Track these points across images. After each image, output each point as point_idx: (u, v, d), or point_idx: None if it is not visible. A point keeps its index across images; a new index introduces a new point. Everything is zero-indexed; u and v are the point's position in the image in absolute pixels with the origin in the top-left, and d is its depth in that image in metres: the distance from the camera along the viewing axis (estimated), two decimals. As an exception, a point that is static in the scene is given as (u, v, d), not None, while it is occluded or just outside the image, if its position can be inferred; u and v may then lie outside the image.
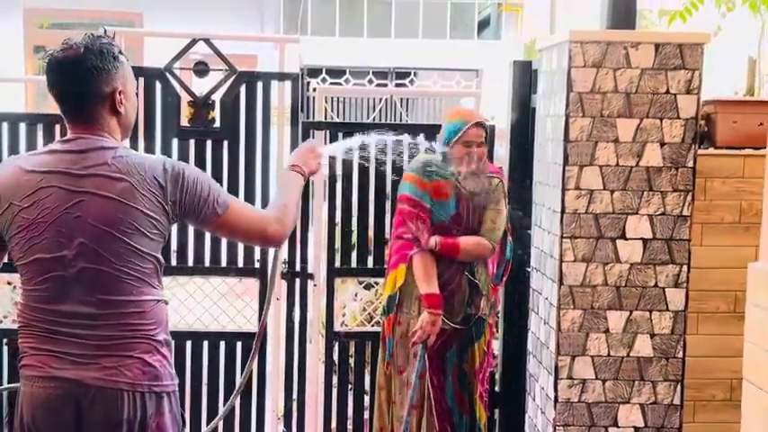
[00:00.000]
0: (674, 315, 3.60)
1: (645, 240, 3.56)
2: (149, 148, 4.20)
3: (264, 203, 4.30)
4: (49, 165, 2.27)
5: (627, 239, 3.55)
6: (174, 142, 4.27)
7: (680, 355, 3.61)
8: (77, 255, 2.24)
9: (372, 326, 4.57)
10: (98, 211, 2.24)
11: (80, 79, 2.28)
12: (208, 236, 4.29)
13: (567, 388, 3.59)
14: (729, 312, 3.79)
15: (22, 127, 4.24)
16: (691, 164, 3.53)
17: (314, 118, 4.65)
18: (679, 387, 3.62)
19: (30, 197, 2.25)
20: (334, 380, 4.46)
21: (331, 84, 10.88)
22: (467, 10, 12.86)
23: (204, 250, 4.32)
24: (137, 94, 2.47)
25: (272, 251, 4.27)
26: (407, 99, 11.67)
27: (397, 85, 11.63)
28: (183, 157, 4.21)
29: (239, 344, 4.33)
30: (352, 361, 4.50)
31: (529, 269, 4.08)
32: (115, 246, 2.26)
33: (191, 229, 4.26)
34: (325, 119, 4.80)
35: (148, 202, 2.28)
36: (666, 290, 3.58)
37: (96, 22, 10.42)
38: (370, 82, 11.55)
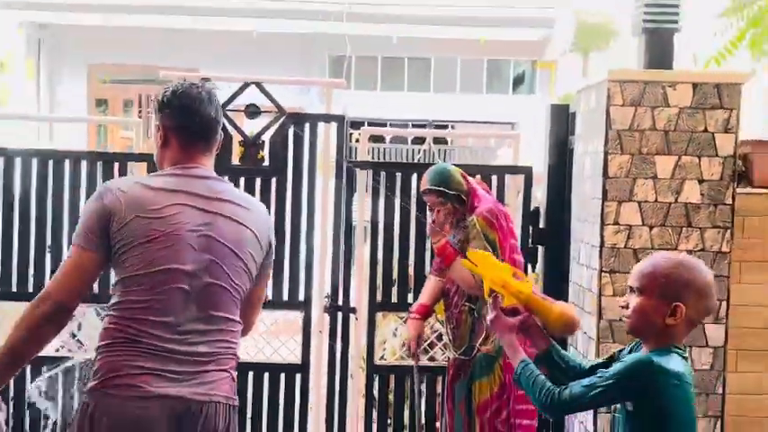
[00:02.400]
0: (714, 351, 3.45)
1: (684, 276, 3.44)
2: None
3: (309, 239, 4.26)
4: (175, 185, 2.27)
5: (666, 275, 3.43)
6: (226, 179, 4.21)
7: (720, 391, 3.46)
8: (204, 269, 2.23)
9: (411, 360, 4.43)
10: (226, 231, 2.27)
11: (217, 113, 2.37)
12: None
13: (608, 422, 3.44)
14: (769, 350, 3.63)
15: (84, 164, 4.25)
16: (729, 201, 3.43)
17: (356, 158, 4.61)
18: (719, 423, 3.45)
19: (158, 211, 2.22)
20: (374, 415, 4.34)
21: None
22: (502, 67, 12.92)
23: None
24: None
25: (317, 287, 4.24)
26: (445, 150, 11.65)
27: (434, 138, 11.62)
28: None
29: (282, 375, 4.25)
30: (391, 396, 4.37)
31: (567, 305, 3.96)
32: (236, 264, 2.28)
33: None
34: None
35: (258, 232, 2.35)
36: (706, 326, 3.44)
37: (154, 77, 10.58)
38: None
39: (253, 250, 2.32)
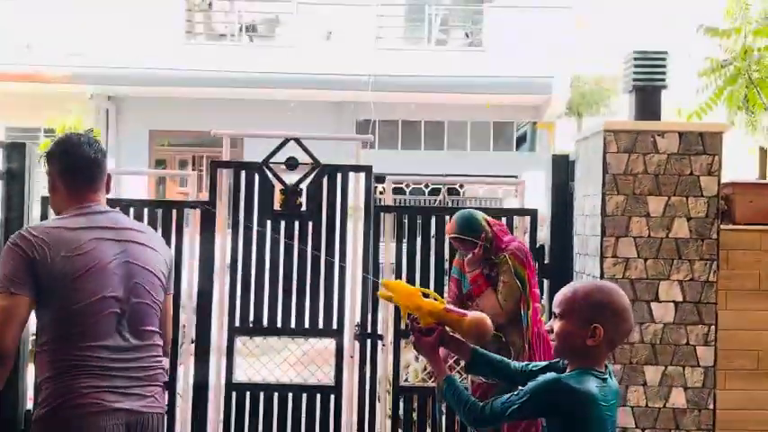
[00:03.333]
0: (705, 370, 3.37)
1: (676, 303, 3.39)
2: (248, 228, 4.19)
3: (341, 274, 4.23)
4: (86, 223, 2.24)
5: (660, 302, 3.39)
6: (269, 223, 4.25)
7: (711, 406, 3.37)
8: (130, 291, 2.23)
9: (433, 382, 4.37)
10: (138, 254, 2.27)
11: (102, 154, 2.33)
12: (294, 302, 4.21)
13: None
14: (754, 370, 3.53)
15: (146, 211, 4.28)
16: (714, 236, 3.38)
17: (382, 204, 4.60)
18: (712, 436, 3.36)
19: (80, 248, 2.17)
20: None
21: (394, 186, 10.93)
22: (507, 128, 12.97)
23: (290, 314, 4.23)
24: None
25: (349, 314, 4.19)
26: (458, 201, 11.67)
27: (448, 189, 11.64)
28: (277, 234, 4.19)
29: (318, 396, 4.18)
30: (415, 415, 4.28)
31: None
32: (153, 282, 2.28)
33: (280, 296, 4.19)
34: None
35: (159, 249, 2.36)
36: (697, 347, 3.37)
37: (204, 140, 10.71)
38: (426, 186, 11.59)
39: (161, 266, 2.33)
